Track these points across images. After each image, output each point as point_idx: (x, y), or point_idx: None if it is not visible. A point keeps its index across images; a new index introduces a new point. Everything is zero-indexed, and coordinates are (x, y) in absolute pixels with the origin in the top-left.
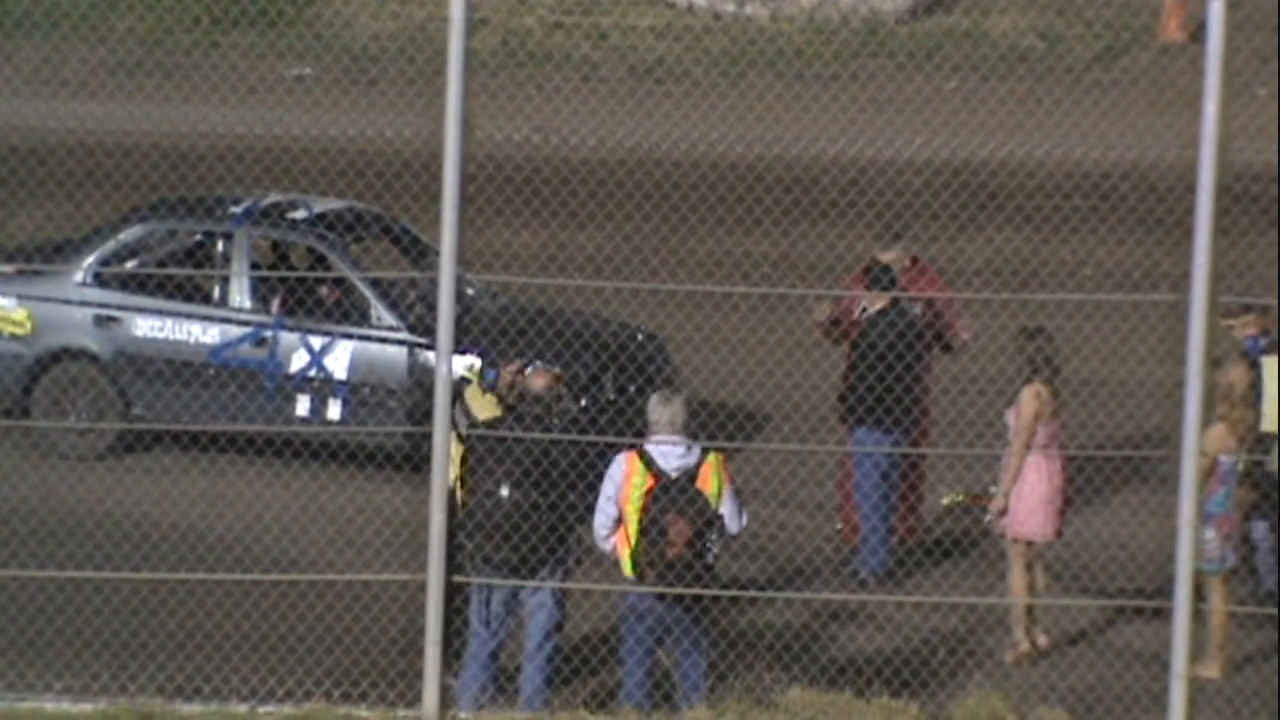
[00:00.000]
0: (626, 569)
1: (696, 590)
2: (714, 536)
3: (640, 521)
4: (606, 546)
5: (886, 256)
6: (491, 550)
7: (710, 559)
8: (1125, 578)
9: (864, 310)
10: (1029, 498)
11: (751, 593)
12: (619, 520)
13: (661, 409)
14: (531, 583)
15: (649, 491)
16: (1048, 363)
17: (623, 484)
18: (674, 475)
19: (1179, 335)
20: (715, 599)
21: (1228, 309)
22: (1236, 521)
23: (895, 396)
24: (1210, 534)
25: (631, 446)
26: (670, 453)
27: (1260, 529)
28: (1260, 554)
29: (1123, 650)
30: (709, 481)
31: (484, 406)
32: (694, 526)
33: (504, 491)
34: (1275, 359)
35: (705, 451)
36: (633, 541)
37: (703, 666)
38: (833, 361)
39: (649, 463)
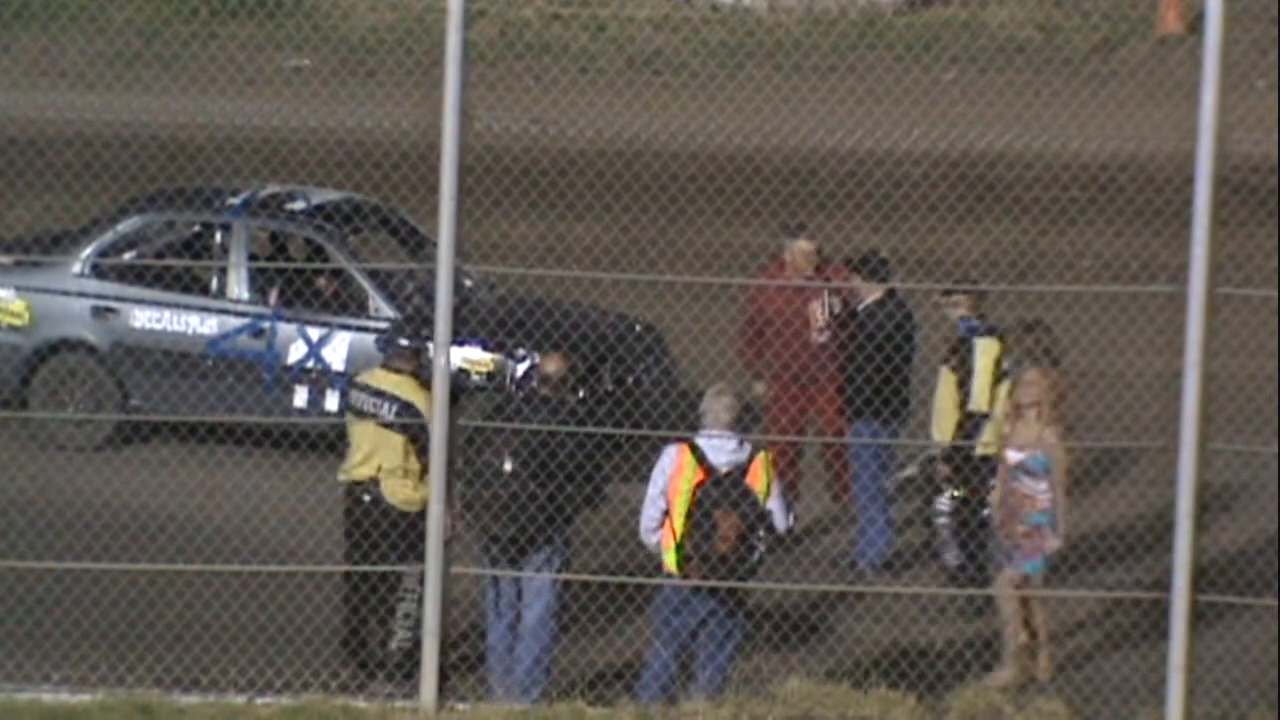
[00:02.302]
0: (669, 563)
1: (699, 582)
2: (762, 534)
3: (688, 515)
4: (652, 540)
5: (807, 247)
6: (492, 523)
7: (757, 556)
8: (1123, 569)
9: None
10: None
11: (750, 584)
12: (666, 514)
13: (714, 403)
14: (561, 575)
15: (698, 485)
16: (1046, 355)
17: (673, 476)
18: (724, 470)
19: (1177, 326)
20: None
21: (945, 292)
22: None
23: (893, 388)
24: (1055, 543)
25: (682, 440)
26: (722, 447)
27: (943, 506)
28: (942, 532)
29: (1120, 642)
30: (759, 478)
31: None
32: (744, 523)
33: (507, 465)
34: (988, 340)
35: (756, 448)
36: (678, 535)
37: (725, 662)
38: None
39: (700, 456)
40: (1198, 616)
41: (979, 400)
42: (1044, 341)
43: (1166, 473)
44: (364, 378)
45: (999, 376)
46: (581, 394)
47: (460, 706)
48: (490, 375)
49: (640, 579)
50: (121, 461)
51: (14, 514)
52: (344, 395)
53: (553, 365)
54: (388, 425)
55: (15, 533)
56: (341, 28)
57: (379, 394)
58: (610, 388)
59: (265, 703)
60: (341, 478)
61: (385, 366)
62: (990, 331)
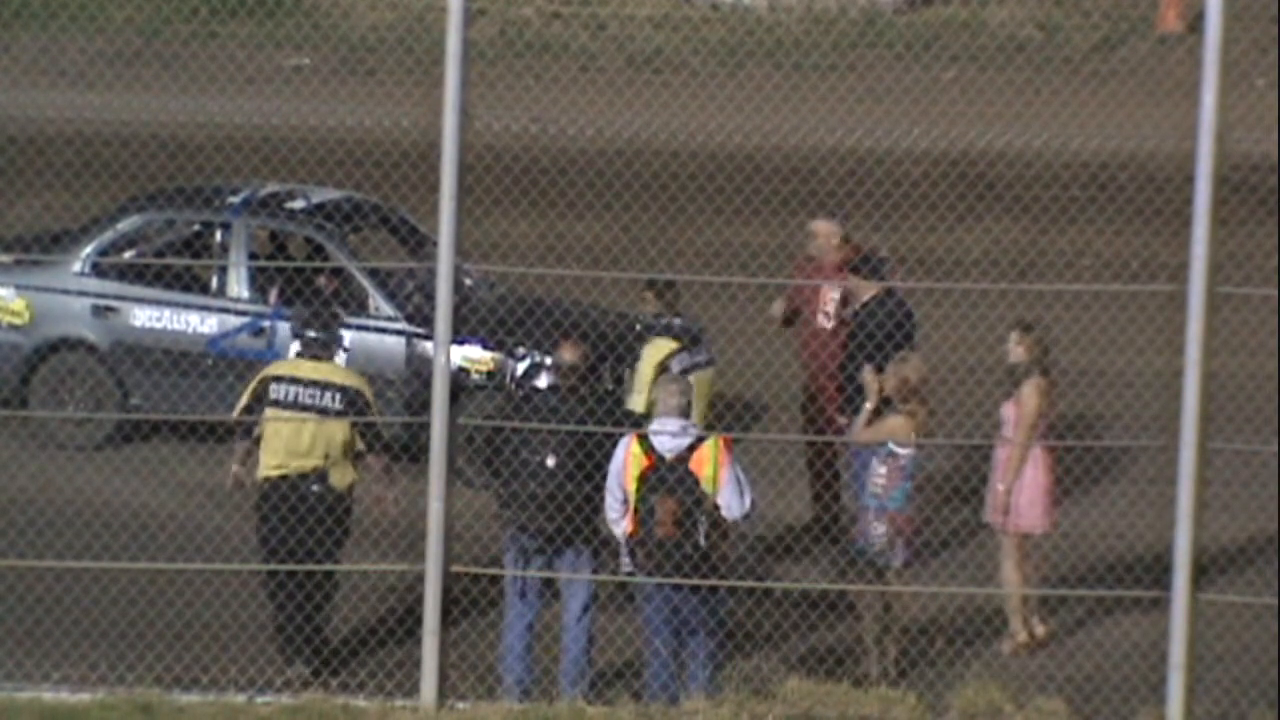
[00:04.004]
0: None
1: (689, 580)
2: (703, 518)
3: (637, 504)
4: (618, 530)
5: (823, 227)
6: (531, 520)
7: (700, 540)
8: (1123, 568)
9: (846, 305)
10: (1027, 490)
11: (749, 583)
12: (626, 503)
13: (662, 391)
14: (554, 573)
15: (644, 473)
16: (1045, 354)
17: (624, 467)
18: (668, 457)
19: (1177, 325)
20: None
21: (647, 283)
22: (910, 519)
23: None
24: (880, 529)
25: (635, 431)
26: (667, 434)
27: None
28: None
29: (1120, 640)
30: (704, 464)
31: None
32: (681, 507)
33: (550, 461)
34: (658, 341)
35: (702, 435)
36: (633, 524)
37: (703, 653)
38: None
39: (646, 445)
40: (1197, 616)
41: (635, 399)
42: (1043, 342)
43: (1166, 472)
44: (282, 370)
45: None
46: (582, 392)
47: (460, 706)
48: (490, 374)
49: (643, 578)
50: (121, 461)
51: (14, 513)
52: (263, 391)
53: (570, 354)
54: (346, 416)
55: (15, 532)
56: (341, 27)
57: (316, 385)
58: (610, 386)
59: (265, 701)
60: (273, 474)
61: (310, 356)
62: (667, 331)
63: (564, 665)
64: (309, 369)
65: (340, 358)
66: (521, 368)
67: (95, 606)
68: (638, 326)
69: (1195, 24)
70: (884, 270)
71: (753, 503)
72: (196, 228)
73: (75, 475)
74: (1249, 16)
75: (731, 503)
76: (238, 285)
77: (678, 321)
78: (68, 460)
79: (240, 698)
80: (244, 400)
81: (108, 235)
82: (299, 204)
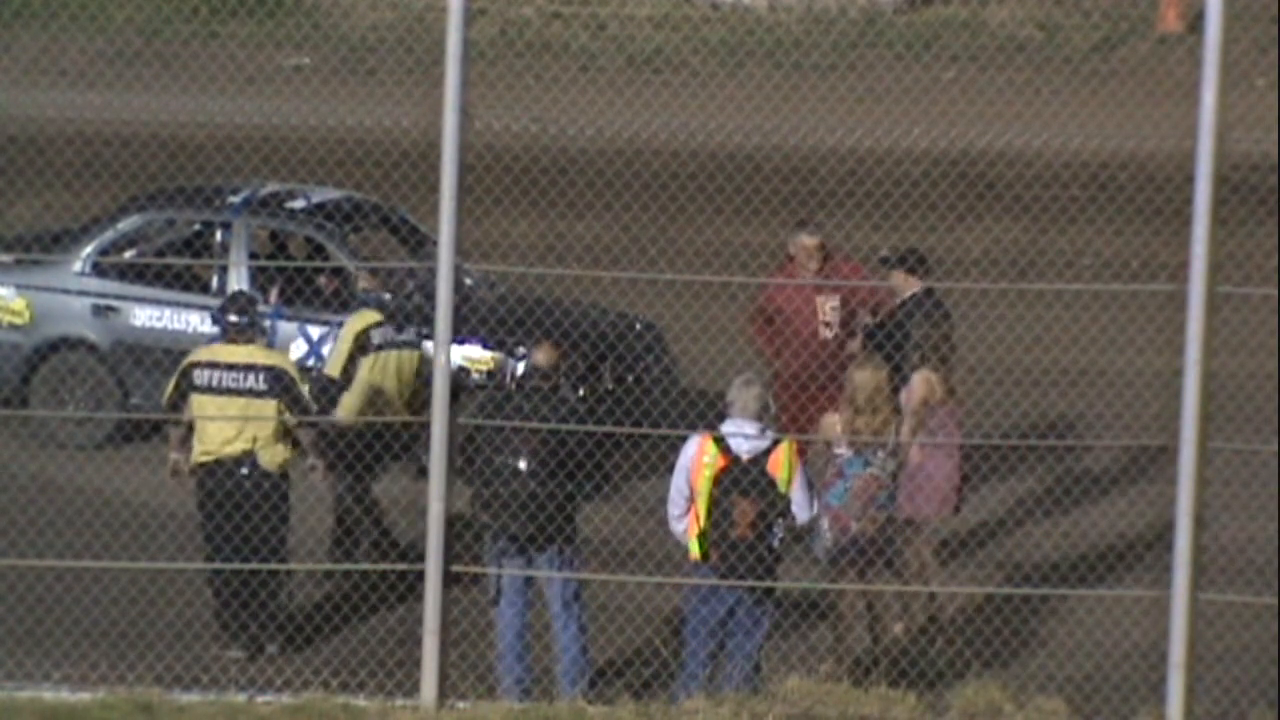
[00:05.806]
0: (694, 551)
1: (714, 582)
2: (779, 520)
3: (709, 503)
4: (679, 528)
5: (810, 242)
6: (511, 521)
7: (775, 542)
8: (1123, 568)
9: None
10: (919, 478)
11: (749, 582)
12: (691, 501)
13: (740, 393)
14: (535, 572)
15: (719, 473)
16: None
17: (693, 465)
18: (745, 458)
19: (1177, 325)
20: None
21: (370, 270)
22: (841, 514)
23: None
24: (825, 525)
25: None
26: (744, 436)
27: None
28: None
29: (1120, 640)
30: (780, 466)
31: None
32: (759, 508)
33: (521, 464)
34: (361, 312)
35: (779, 437)
36: (702, 524)
37: (754, 651)
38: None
39: (721, 445)
40: (1197, 616)
41: (331, 366)
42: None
43: (1166, 472)
44: (204, 356)
45: (361, 348)
46: (582, 392)
47: (460, 706)
48: (490, 373)
49: (642, 578)
50: (122, 460)
51: (15, 512)
52: (184, 378)
53: (543, 356)
54: (266, 395)
55: (16, 531)
56: (341, 26)
57: (238, 367)
58: (610, 386)
59: (266, 701)
60: (204, 459)
61: (230, 340)
62: (376, 304)
63: (562, 665)
64: (230, 352)
65: (261, 340)
66: (521, 367)
67: (96, 605)
68: (639, 327)
69: (1195, 24)
70: (923, 269)
71: (818, 504)
72: (197, 227)
73: (76, 475)
74: (1249, 16)
75: (802, 504)
76: (238, 285)
77: (386, 297)
78: (68, 459)
79: (240, 697)
80: (169, 389)
81: (108, 235)
82: (299, 204)
